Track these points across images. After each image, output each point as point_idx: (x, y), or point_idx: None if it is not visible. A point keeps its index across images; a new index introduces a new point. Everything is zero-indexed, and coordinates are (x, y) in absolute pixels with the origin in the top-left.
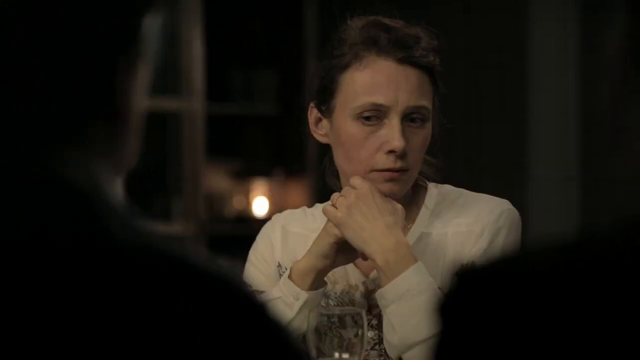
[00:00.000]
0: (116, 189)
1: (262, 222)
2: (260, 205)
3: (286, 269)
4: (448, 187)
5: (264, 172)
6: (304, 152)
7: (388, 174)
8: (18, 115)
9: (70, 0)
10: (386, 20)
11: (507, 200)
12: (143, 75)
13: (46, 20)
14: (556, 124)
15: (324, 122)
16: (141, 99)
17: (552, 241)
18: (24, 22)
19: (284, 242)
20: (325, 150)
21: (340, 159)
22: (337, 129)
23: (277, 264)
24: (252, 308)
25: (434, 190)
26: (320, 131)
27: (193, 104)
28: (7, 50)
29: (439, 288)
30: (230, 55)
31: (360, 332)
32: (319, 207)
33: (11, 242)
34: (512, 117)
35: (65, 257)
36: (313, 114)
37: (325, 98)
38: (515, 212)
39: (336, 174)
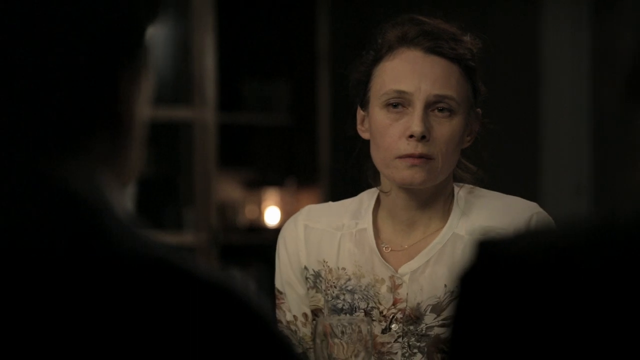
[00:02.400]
0: (121, 198)
1: (274, 231)
2: (272, 215)
3: (313, 270)
4: (476, 189)
5: (276, 181)
6: (316, 162)
7: (409, 160)
8: (20, 124)
9: (74, 8)
10: (421, 17)
11: (535, 203)
12: (147, 85)
13: (48, 28)
14: (568, 134)
15: (366, 118)
16: (145, 108)
17: (578, 221)
18: (26, 30)
19: (307, 243)
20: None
21: (373, 150)
22: (370, 120)
23: (304, 267)
24: (254, 318)
25: (462, 192)
26: (363, 128)
27: (205, 113)
28: (9, 59)
29: None
30: (242, 65)
31: (369, 341)
32: (345, 203)
33: (14, 251)
34: (522, 126)
35: (68, 266)
36: (360, 113)
37: (362, 92)
38: (545, 216)
39: (378, 174)
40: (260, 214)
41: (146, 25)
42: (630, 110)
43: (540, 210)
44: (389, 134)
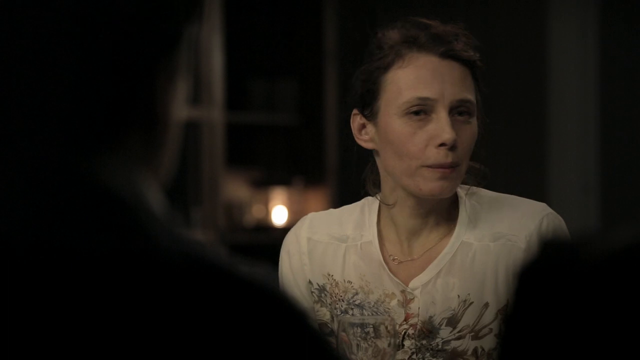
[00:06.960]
0: (158, 196)
1: (281, 231)
2: (279, 214)
3: (318, 284)
4: (480, 191)
5: (284, 181)
6: (323, 161)
7: (440, 171)
8: (56, 120)
9: (116, 5)
10: (423, 20)
11: (544, 204)
12: (183, 83)
13: (89, 25)
14: (575, 133)
15: (369, 127)
16: (180, 107)
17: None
18: (63, 26)
19: (311, 256)
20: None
21: (389, 160)
22: (383, 129)
23: (309, 281)
24: (294, 317)
25: (467, 196)
26: (364, 137)
27: (213, 112)
28: (45, 56)
29: (487, 303)
30: (250, 64)
31: (392, 341)
32: (347, 212)
33: (54, 248)
34: (530, 126)
35: (112, 267)
36: (356, 120)
37: (369, 101)
38: (555, 217)
39: (378, 183)
40: (267, 213)
41: (185, 24)
42: None
43: (550, 211)
44: (413, 142)
